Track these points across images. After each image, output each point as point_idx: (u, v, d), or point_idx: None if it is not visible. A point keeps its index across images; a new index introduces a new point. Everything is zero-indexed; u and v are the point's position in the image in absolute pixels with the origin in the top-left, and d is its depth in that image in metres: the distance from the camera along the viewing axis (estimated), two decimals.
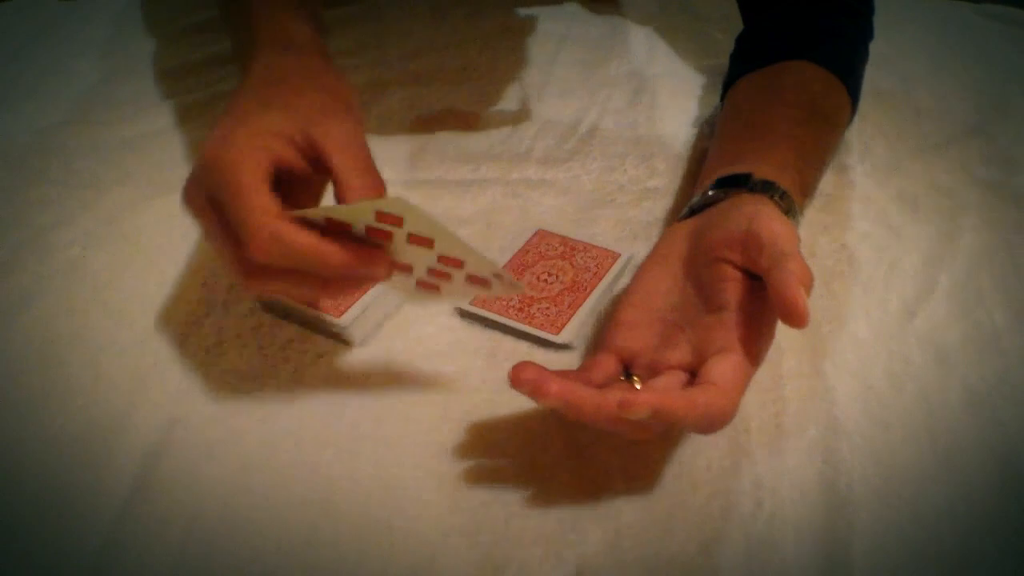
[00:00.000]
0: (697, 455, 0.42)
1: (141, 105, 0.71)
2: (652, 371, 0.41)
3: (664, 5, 0.83)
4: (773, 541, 0.39)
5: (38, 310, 0.52)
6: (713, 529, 0.39)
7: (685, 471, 0.42)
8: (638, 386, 0.40)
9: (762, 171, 0.46)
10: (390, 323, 0.50)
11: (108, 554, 0.39)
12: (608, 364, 0.42)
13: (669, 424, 0.38)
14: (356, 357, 0.48)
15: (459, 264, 0.39)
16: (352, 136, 0.40)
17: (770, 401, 0.45)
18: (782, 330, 0.49)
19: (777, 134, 0.51)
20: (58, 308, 0.52)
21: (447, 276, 0.40)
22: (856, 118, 0.62)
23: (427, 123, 0.68)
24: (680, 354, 0.41)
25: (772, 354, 0.47)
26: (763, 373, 0.46)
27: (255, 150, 0.38)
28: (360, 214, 0.37)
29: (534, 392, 0.36)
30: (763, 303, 0.39)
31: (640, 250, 0.54)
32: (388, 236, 0.38)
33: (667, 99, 0.70)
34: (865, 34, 0.61)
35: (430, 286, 0.41)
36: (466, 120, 0.68)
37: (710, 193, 0.46)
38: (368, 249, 0.38)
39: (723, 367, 0.38)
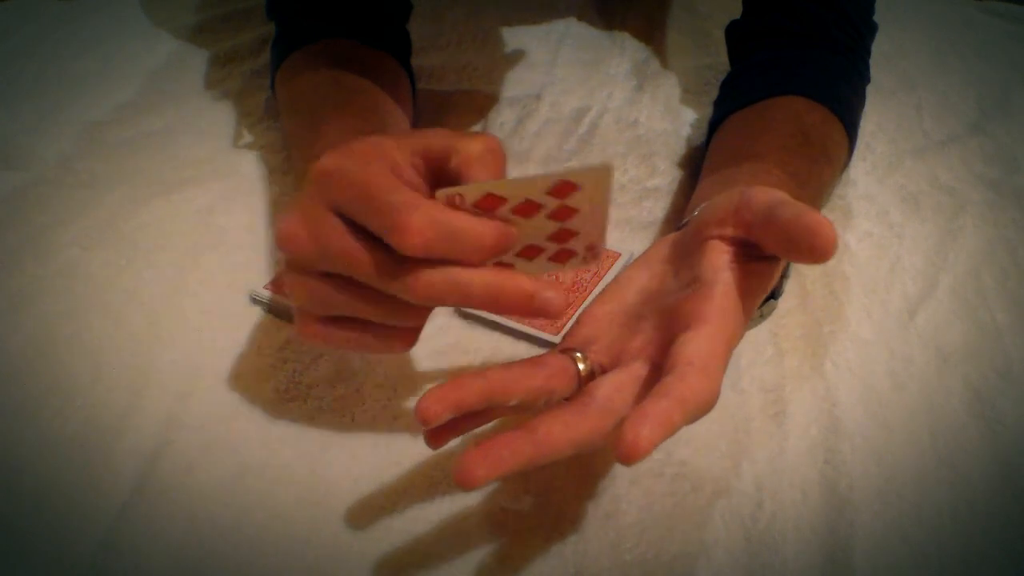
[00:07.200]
0: (697, 455, 0.42)
1: (141, 105, 0.71)
2: (609, 358, 0.37)
3: (664, 3, 0.83)
4: (774, 542, 0.39)
5: (37, 310, 0.52)
6: (713, 530, 0.39)
7: (685, 471, 0.41)
8: (580, 366, 0.37)
9: None
10: None
11: (108, 554, 0.39)
12: (554, 360, 0.37)
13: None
14: (355, 357, 0.48)
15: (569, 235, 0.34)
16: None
17: (771, 401, 0.45)
18: (782, 330, 0.49)
19: (768, 161, 0.48)
20: (57, 308, 0.52)
21: (537, 252, 0.35)
22: None
23: (427, 123, 0.68)
24: (642, 338, 0.37)
25: (772, 354, 0.48)
26: (764, 373, 0.47)
27: (379, 151, 0.34)
28: (536, 184, 0.32)
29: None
30: (742, 274, 0.35)
31: (640, 250, 0.54)
32: (536, 209, 0.33)
33: (667, 98, 0.70)
34: (861, 73, 0.58)
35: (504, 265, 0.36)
36: (466, 119, 0.68)
37: (696, 213, 0.41)
38: (507, 226, 0.33)
39: (697, 343, 0.33)
